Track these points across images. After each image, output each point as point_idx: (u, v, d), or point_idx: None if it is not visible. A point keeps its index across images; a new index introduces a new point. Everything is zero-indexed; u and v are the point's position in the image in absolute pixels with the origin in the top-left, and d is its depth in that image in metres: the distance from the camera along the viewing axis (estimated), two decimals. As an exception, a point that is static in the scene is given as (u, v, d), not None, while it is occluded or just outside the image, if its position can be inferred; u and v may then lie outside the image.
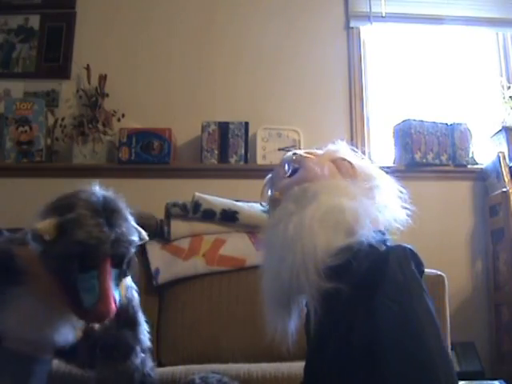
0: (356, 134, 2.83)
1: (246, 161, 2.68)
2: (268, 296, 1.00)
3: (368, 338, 0.82)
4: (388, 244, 0.95)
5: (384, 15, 2.92)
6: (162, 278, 2.00)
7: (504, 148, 2.68)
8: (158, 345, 1.91)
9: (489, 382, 2.22)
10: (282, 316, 0.99)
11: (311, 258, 0.92)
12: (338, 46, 2.94)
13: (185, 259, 2.02)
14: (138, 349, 1.23)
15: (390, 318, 0.82)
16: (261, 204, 1.24)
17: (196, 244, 2.06)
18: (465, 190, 2.76)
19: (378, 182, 1.10)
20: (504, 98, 2.80)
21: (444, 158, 2.72)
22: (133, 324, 1.24)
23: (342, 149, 1.18)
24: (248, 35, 2.92)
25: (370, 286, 0.86)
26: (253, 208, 2.06)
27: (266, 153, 2.71)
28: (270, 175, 1.18)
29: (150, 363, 1.30)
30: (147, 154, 2.63)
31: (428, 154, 2.69)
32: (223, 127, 2.70)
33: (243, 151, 2.68)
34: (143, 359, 1.26)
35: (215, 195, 2.14)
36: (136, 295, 1.29)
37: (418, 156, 2.67)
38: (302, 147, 2.68)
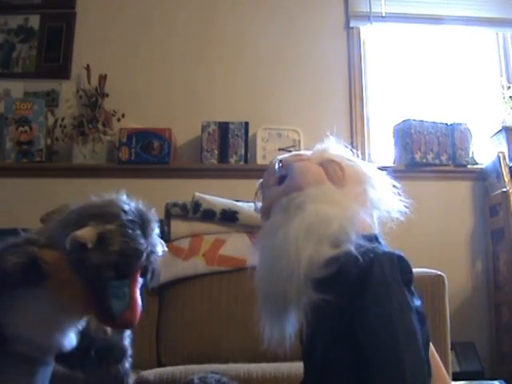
0: (356, 134, 2.83)
1: (246, 161, 2.68)
2: (262, 305, 1.01)
3: (350, 348, 0.86)
4: (377, 251, 0.93)
5: (384, 15, 2.92)
6: (162, 277, 2.00)
7: (504, 148, 2.68)
8: (158, 345, 1.91)
9: (489, 382, 2.23)
10: (278, 323, 1.00)
11: (296, 272, 0.93)
12: (338, 46, 2.94)
13: (185, 259, 2.02)
14: (129, 353, 1.25)
15: (368, 329, 0.85)
16: (254, 204, 1.23)
17: (196, 244, 2.06)
18: (465, 189, 2.76)
19: (369, 180, 1.09)
20: (504, 98, 2.80)
21: (444, 157, 2.72)
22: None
23: (330, 148, 1.15)
24: (248, 35, 2.92)
25: (353, 295, 0.88)
26: (253, 208, 2.05)
27: (265, 153, 2.71)
28: (261, 180, 1.18)
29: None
30: (147, 154, 2.63)
31: (428, 154, 2.70)
32: (223, 127, 2.70)
33: (243, 151, 2.68)
34: (130, 364, 1.27)
35: (215, 195, 2.14)
36: None
37: (418, 156, 2.67)
38: (301, 147, 2.68)
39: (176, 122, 2.75)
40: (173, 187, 2.61)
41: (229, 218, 2.07)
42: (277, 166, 1.13)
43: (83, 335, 1.17)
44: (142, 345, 1.84)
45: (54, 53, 2.86)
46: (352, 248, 0.92)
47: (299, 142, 2.72)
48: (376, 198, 1.08)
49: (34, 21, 2.91)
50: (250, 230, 2.04)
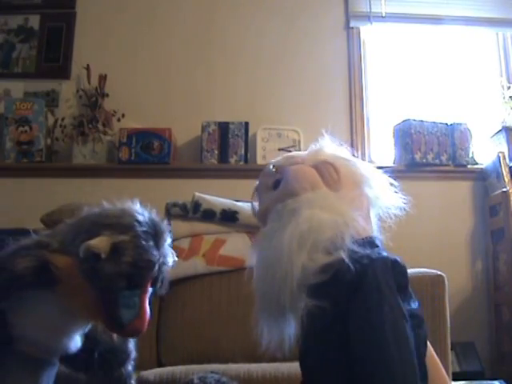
0: (356, 134, 2.83)
1: (246, 161, 2.68)
2: (260, 309, 1.01)
3: (344, 353, 0.86)
4: (371, 256, 0.92)
5: (384, 15, 2.92)
6: (162, 277, 2.00)
7: (504, 148, 2.68)
8: (158, 345, 1.91)
9: (489, 382, 2.23)
10: (276, 326, 1.00)
11: (290, 280, 0.93)
12: (338, 46, 2.94)
13: (185, 259, 2.02)
14: (132, 356, 1.25)
15: (359, 335, 0.86)
16: (252, 204, 1.23)
17: (196, 244, 2.06)
18: (465, 189, 2.76)
19: (366, 180, 1.08)
20: (504, 98, 2.80)
21: (444, 157, 2.72)
22: None
23: (324, 148, 1.13)
24: (248, 35, 2.92)
25: (347, 301, 0.88)
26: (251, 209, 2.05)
27: (265, 153, 2.71)
28: (257, 183, 1.17)
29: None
30: (147, 154, 2.63)
31: (428, 154, 2.70)
32: (223, 127, 2.70)
33: (243, 151, 2.68)
34: (133, 367, 1.27)
35: (215, 195, 2.14)
36: None
37: (418, 156, 2.67)
38: (301, 147, 2.68)
39: (176, 122, 2.75)
40: (173, 187, 2.61)
41: (229, 217, 2.07)
42: (270, 169, 1.12)
43: (88, 337, 1.18)
44: (142, 345, 1.82)
45: (54, 53, 2.86)
46: (345, 255, 0.91)
47: (299, 142, 2.72)
48: (374, 197, 1.08)
49: (34, 21, 2.91)
50: (250, 229, 2.04)
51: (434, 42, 3.09)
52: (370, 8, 2.92)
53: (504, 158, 2.60)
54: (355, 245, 0.94)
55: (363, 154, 2.82)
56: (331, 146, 1.14)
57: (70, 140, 2.67)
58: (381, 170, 1.12)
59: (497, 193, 2.58)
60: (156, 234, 1.09)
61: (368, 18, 2.93)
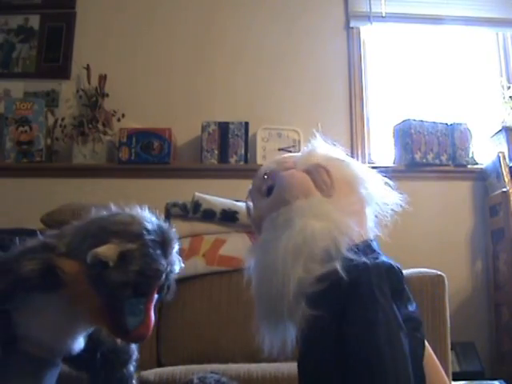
0: (356, 134, 2.83)
1: (246, 161, 2.68)
2: (259, 317, 1.01)
3: (338, 361, 0.87)
4: (366, 263, 0.92)
5: (384, 15, 2.92)
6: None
7: (504, 148, 2.68)
8: (158, 345, 1.91)
9: (489, 382, 2.23)
10: (277, 333, 0.99)
11: (286, 292, 0.93)
12: (338, 46, 2.94)
13: (185, 259, 2.02)
14: (134, 357, 1.25)
15: (353, 342, 0.86)
16: (246, 204, 1.22)
17: (196, 244, 2.06)
18: (465, 189, 2.76)
19: (360, 181, 1.07)
20: (504, 98, 2.80)
21: (444, 157, 2.72)
22: None
23: (316, 151, 1.11)
24: (248, 35, 2.92)
25: (342, 308, 0.88)
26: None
27: (265, 153, 2.71)
28: (250, 188, 1.15)
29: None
30: (147, 154, 2.63)
31: (428, 154, 2.70)
32: (223, 127, 2.70)
33: (243, 151, 2.68)
34: (135, 368, 1.28)
35: (215, 195, 2.14)
36: None
37: (418, 156, 2.67)
38: (301, 147, 2.68)
39: (176, 122, 2.75)
40: (173, 187, 2.61)
41: (229, 217, 2.07)
42: (262, 175, 1.10)
43: (91, 337, 1.18)
44: (142, 345, 1.82)
45: (54, 53, 2.86)
46: (340, 265, 0.91)
47: (299, 142, 2.72)
48: (369, 197, 1.07)
49: (34, 21, 2.91)
50: (250, 229, 2.03)
51: (434, 42, 3.09)
52: (370, 8, 2.92)
53: (504, 158, 2.60)
54: (350, 252, 0.93)
55: (363, 154, 2.82)
56: (324, 147, 1.12)
57: (70, 140, 2.67)
58: (375, 170, 1.11)
59: (497, 193, 2.58)
60: (164, 242, 1.09)
61: (368, 17, 2.92)
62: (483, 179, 2.74)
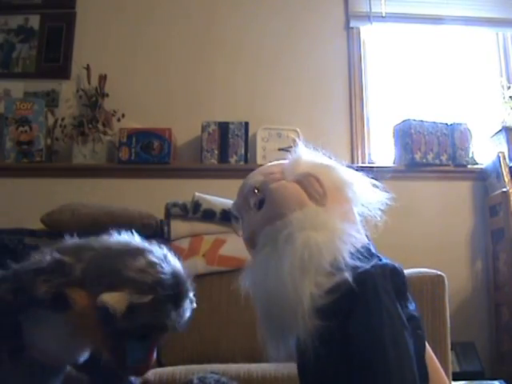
0: (356, 134, 2.83)
1: (246, 161, 2.68)
2: (265, 331, 1.00)
3: (342, 364, 0.87)
4: (370, 266, 0.92)
5: (384, 15, 2.92)
6: (162, 278, 2.00)
7: (504, 148, 2.68)
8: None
9: (489, 382, 2.22)
10: (283, 344, 0.99)
11: (301, 310, 0.91)
12: (338, 46, 2.94)
13: (185, 259, 2.02)
14: None
15: (359, 343, 0.87)
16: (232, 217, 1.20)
17: (196, 244, 2.06)
18: (465, 189, 2.76)
19: (349, 185, 1.06)
20: (504, 98, 2.80)
21: (444, 157, 2.72)
22: None
23: (302, 158, 1.09)
24: (248, 35, 2.92)
25: (347, 313, 0.89)
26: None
27: (265, 153, 2.71)
28: (235, 202, 1.12)
29: None
30: (147, 154, 2.63)
31: (428, 154, 2.69)
32: (223, 127, 2.70)
33: (243, 151, 2.68)
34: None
35: (215, 195, 2.14)
36: None
37: (418, 156, 2.67)
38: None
39: (176, 122, 2.75)
40: (173, 187, 2.61)
41: (229, 217, 2.05)
42: (251, 188, 1.07)
43: None
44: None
45: (54, 53, 2.86)
46: (349, 274, 0.91)
47: (294, 142, 2.71)
48: (357, 200, 1.06)
49: (34, 21, 2.91)
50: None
51: (434, 42, 3.08)
52: (370, 8, 2.92)
53: (504, 158, 2.60)
54: (355, 259, 0.93)
55: (363, 154, 2.82)
56: (308, 154, 1.10)
57: (70, 140, 2.66)
58: (361, 172, 1.09)
59: (497, 193, 2.58)
60: (177, 295, 1.07)
61: (368, 17, 2.92)
62: (483, 179, 2.74)
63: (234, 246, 2.05)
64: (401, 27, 3.07)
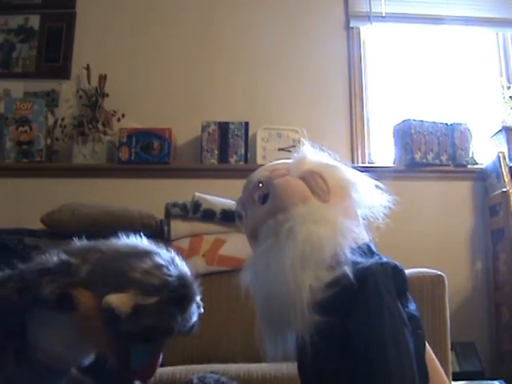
0: (356, 134, 2.83)
1: (246, 161, 2.68)
2: (264, 328, 1.00)
3: (342, 361, 0.88)
4: (371, 264, 0.93)
5: (384, 15, 2.92)
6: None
7: (504, 148, 2.68)
8: (157, 345, 1.91)
9: (489, 382, 2.22)
10: (282, 342, 0.99)
11: (300, 302, 0.92)
12: (338, 46, 2.94)
13: (185, 259, 2.02)
14: None
15: (360, 341, 0.87)
16: (236, 212, 1.20)
17: (196, 244, 2.06)
18: (465, 189, 2.76)
19: (352, 185, 1.07)
20: (504, 98, 2.80)
21: (444, 157, 2.72)
22: None
23: (308, 157, 1.11)
24: (248, 35, 2.92)
25: (349, 309, 0.89)
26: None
27: (265, 153, 2.71)
28: (240, 198, 1.14)
29: None
30: (147, 154, 2.63)
31: (428, 154, 2.69)
32: (223, 127, 2.70)
33: (243, 151, 2.68)
34: None
35: (215, 195, 2.14)
36: None
37: (418, 156, 2.67)
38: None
39: (176, 122, 2.75)
40: (173, 187, 2.61)
41: (229, 217, 2.07)
42: (255, 182, 1.09)
43: None
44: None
45: (54, 53, 2.86)
46: (349, 269, 0.91)
47: (299, 141, 2.71)
48: (360, 200, 1.07)
49: (34, 21, 2.91)
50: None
51: (434, 42, 3.09)
52: (370, 8, 2.92)
53: (504, 158, 2.60)
54: (355, 254, 0.94)
55: (363, 154, 2.82)
56: (314, 153, 1.12)
57: (70, 140, 2.66)
58: (365, 173, 1.11)
59: (497, 193, 2.58)
60: (183, 298, 1.06)
61: (368, 17, 2.93)
62: (483, 179, 2.74)
63: (234, 246, 2.05)
64: (401, 27, 3.07)
